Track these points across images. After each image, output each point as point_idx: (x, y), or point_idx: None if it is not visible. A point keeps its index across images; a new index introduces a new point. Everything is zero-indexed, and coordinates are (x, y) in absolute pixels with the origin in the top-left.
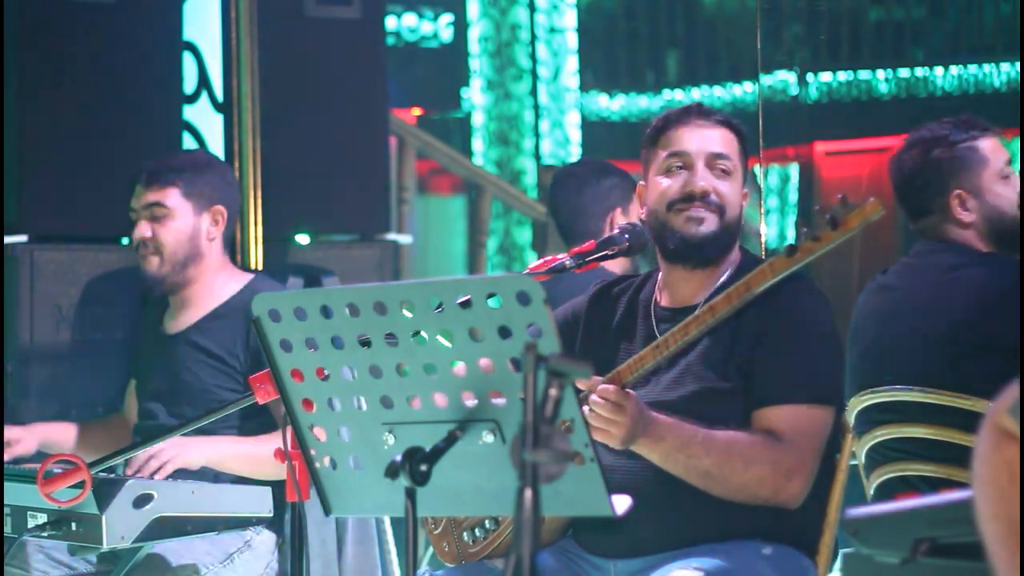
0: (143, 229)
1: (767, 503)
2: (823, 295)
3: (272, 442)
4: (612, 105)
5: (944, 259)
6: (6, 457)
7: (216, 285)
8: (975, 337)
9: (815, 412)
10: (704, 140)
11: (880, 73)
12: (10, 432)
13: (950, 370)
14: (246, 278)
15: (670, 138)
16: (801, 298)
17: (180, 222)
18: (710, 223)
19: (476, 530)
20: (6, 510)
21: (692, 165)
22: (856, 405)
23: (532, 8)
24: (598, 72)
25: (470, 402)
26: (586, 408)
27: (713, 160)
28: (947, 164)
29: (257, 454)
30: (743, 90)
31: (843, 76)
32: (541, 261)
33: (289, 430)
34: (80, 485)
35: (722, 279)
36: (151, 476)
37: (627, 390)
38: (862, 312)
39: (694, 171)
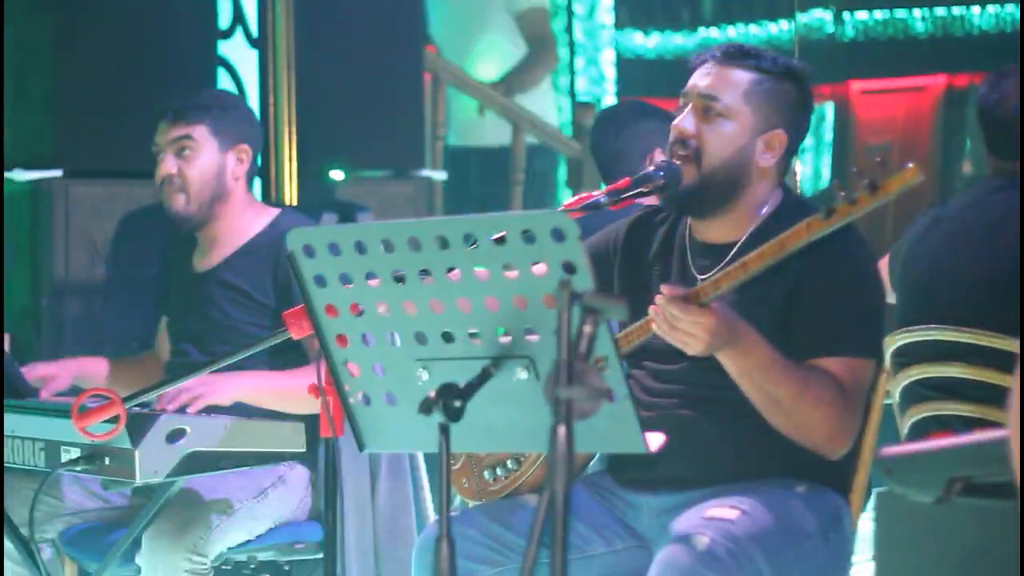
0: (168, 165)
1: (812, 447)
2: (867, 241)
3: (303, 377)
4: (647, 43)
5: (1017, 195)
6: (43, 394)
7: (243, 222)
8: None
9: (867, 365)
10: (700, 79)
11: (916, 12)
12: (44, 368)
13: (999, 306)
14: (272, 213)
15: (688, 80)
16: (850, 245)
17: (206, 158)
18: (689, 177)
19: (497, 469)
20: (39, 444)
21: (685, 106)
22: (892, 343)
23: None
24: (633, 9)
25: (504, 338)
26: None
27: (701, 101)
28: None
29: (288, 388)
30: (779, 28)
31: (879, 14)
32: (576, 198)
33: (323, 365)
34: (114, 420)
35: (758, 221)
36: (182, 409)
37: (711, 305)
38: (914, 244)
39: (682, 113)
